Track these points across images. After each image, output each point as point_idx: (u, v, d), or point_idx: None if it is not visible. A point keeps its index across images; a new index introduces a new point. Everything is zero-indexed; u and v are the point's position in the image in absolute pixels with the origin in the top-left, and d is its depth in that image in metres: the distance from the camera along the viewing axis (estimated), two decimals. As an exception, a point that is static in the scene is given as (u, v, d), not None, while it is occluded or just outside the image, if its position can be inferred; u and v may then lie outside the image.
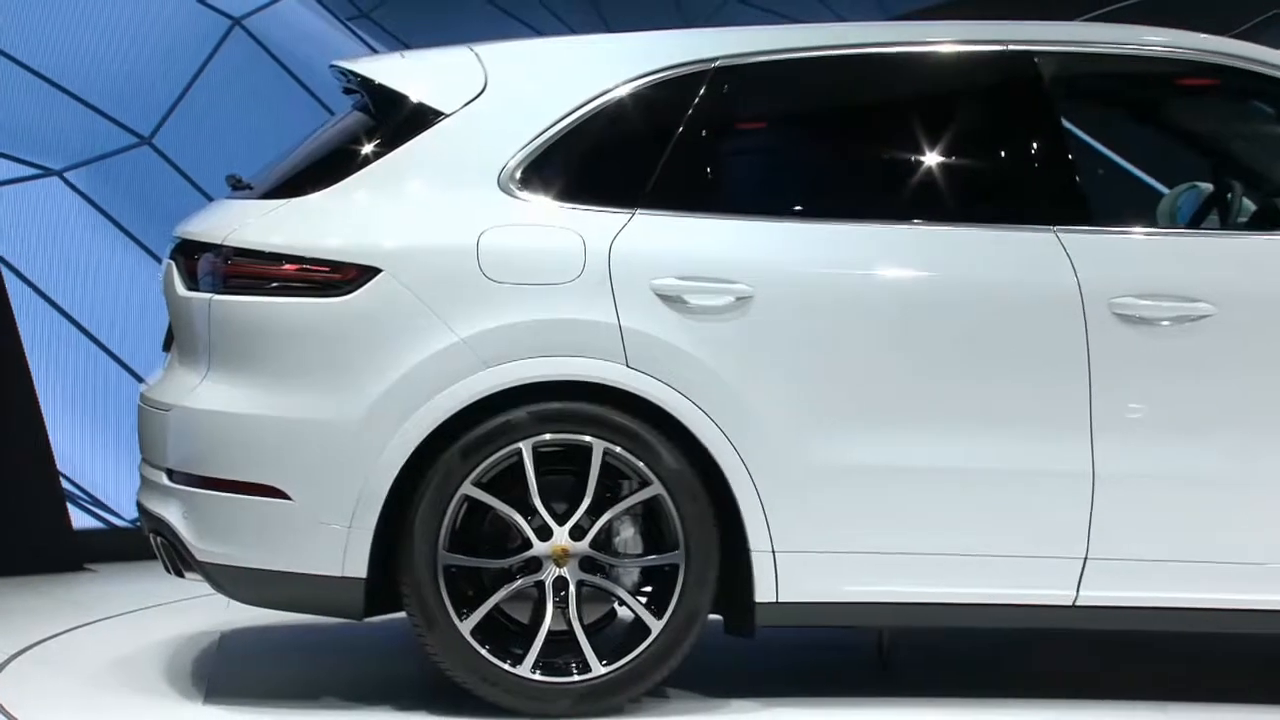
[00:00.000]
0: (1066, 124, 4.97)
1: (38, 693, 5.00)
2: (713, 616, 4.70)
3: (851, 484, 4.54)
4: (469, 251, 4.51)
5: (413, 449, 4.46)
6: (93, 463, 7.47)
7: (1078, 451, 4.54)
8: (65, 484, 7.29)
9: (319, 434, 4.48)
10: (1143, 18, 5.38)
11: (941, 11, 8.78)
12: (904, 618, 4.69)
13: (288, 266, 4.55)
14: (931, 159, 4.81)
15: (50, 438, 7.19)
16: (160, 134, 8.06)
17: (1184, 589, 4.59)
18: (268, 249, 4.57)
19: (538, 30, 8.81)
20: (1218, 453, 4.57)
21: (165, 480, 4.72)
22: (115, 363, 7.65)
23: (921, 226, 4.67)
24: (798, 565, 4.53)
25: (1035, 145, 4.73)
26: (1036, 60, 4.77)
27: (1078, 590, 4.57)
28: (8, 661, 5.30)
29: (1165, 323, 4.55)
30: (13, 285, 7.35)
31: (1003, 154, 4.81)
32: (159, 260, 5.04)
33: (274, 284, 4.55)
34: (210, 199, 5.42)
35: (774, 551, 4.52)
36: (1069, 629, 4.82)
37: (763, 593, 4.54)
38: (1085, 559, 4.55)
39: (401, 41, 8.67)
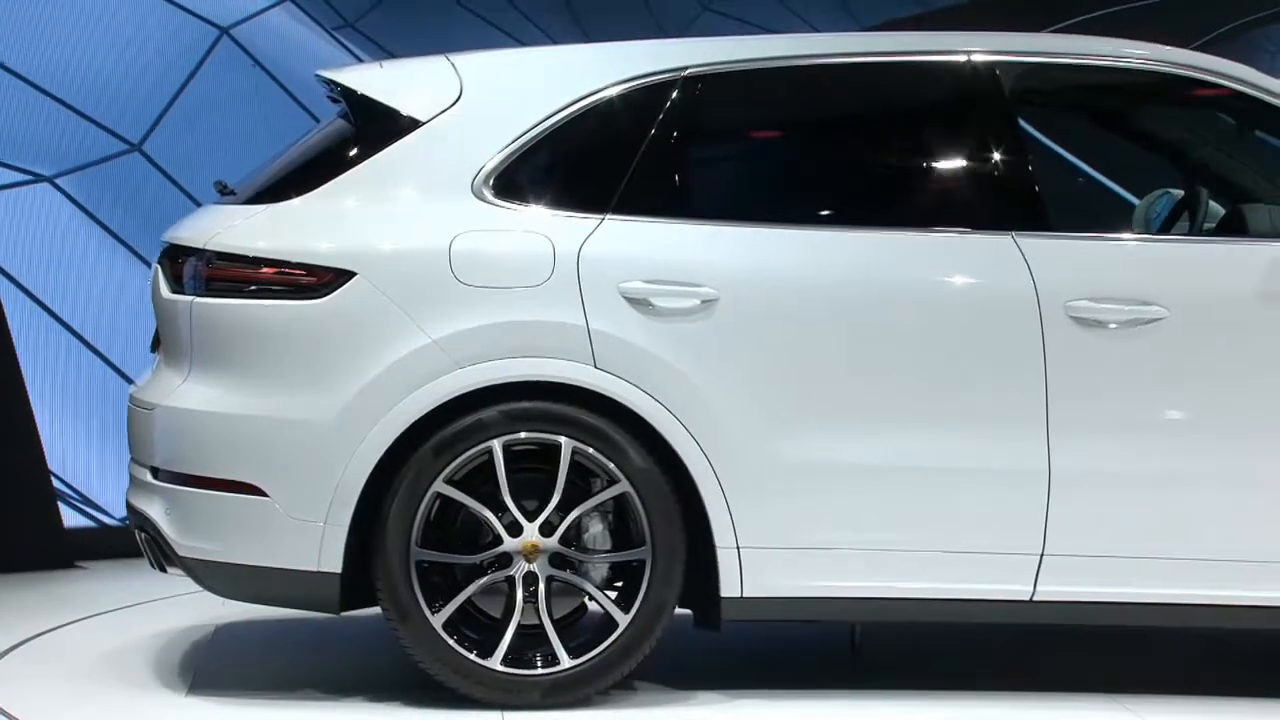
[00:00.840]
0: (1035, 132, 5.06)
1: (29, 688, 5.05)
2: (684, 611, 4.76)
3: (814, 482, 4.60)
4: (441, 255, 4.58)
5: (386, 447, 4.53)
6: (83, 462, 7.49)
7: (1034, 450, 4.60)
8: (56, 483, 7.31)
9: (295, 433, 4.55)
10: (1120, 25, 5.46)
11: (913, 22, 8.81)
12: (866, 612, 4.75)
13: (265, 270, 4.61)
14: (894, 166, 4.91)
15: (42, 438, 7.21)
16: (150, 141, 8.04)
17: (1138, 584, 4.64)
18: (246, 253, 4.64)
19: (518, 39, 8.74)
20: (1170, 451, 4.64)
21: (149, 478, 4.80)
22: (105, 364, 7.64)
23: (883, 232, 4.71)
24: (762, 561, 4.59)
25: (996, 153, 4.80)
26: (998, 71, 4.83)
27: (1035, 586, 4.63)
28: (2, 655, 5.37)
29: (1118, 325, 4.61)
30: (4, 289, 7.40)
31: (964, 161, 4.87)
32: (148, 264, 5.11)
33: (252, 287, 4.62)
34: (199, 204, 5.40)
35: (738, 548, 4.58)
36: (1028, 623, 4.87)
37: (728, 588, 4.60)
38: (1041, 555, 4.61)
39: (386, 50, 8.59)
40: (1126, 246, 4.87)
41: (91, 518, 7.46)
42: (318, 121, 5.35)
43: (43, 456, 7.22)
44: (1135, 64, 4.93)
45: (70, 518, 7.33)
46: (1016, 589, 4.65)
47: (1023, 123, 5.00)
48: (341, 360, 4.55)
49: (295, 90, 8.28)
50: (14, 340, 7.22)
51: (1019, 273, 4.64)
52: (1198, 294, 4.67)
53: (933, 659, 5.46)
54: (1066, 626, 5.07)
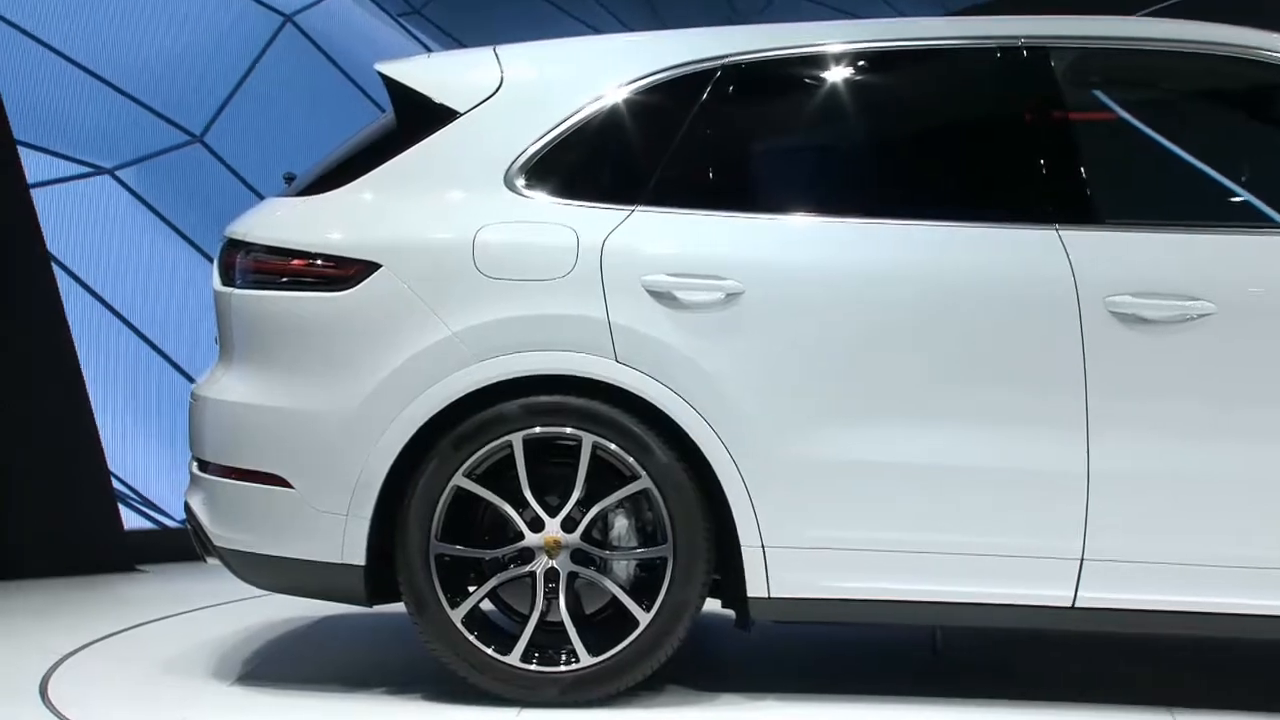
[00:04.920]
0: (1131, 117, 5.21)
1: (89, 690, 5.34)
2: (727, 611, 5.02)
3: (841, 480, 4.79)
4: (465, 247, 4.87)
5: (407, 440, 4.84)
6: (144, 463, 7.84)
7: (1072, 450, 4.74)
8: (116, 485, 7.66)
9: (318, 425, 4.88)
10: (1192, 14, 5.53)
11: (997, 7, 8.85)
12: (897, 616, 4.89)
13: (296, 262, 4.96)
14: (934, 156, 5.09)
15: (101, 438, 7.56)
16: (211, 132, 8.34)
17: (1186, 592, 4.77)
18: (281, 245, 5.00)
19: (592, 27, 8.89)
20: (1214, 453, 4.74)
21: (195, 469, 5.21)
22: (166, 362, 7.97)
23: (915, 224, 4.88)
24: (788, 561, 4.80)
25: (1042, 142, 4.95)
26: (1050, 56, 5.00)
27: (1076, 591, 4.78)
28: (61, 661, 5.71)
29: (1162, 321, 4.75)
30: (64, 283, 7.71)
31: (1006, 153, 5.02)
32: (209, 258, 5.39)
33: (284, 279, 4.97)
34: (261, 196, 5.68)
35: (764, 547, 4.80)
36: (1071, 630, 4.97)
37: (754, 588, 4.82)
38: (1082, 560, 4.76)
39: (453, 38, 8.77)
40: (1173, 240, 4.88)
41: (152, 520, 7.82)
42: (382, 111, 5.66)
43: (103, 457, 7.58)
44: (1191, 47, 5.07)
45: (130, 519, 7.69)
46: (1057, 594, 4.79)
47: (1127, 113, 5.13)
48: (364, 352, 4.87)
49: (360, 79, 8.55)
50: (74, 337, 7.57)
51: (1059, 267, 4.79)
52: (1248, 288, 4.79)
53: (970, 664, 5.62)
54: (1115, 635, 5.22)
